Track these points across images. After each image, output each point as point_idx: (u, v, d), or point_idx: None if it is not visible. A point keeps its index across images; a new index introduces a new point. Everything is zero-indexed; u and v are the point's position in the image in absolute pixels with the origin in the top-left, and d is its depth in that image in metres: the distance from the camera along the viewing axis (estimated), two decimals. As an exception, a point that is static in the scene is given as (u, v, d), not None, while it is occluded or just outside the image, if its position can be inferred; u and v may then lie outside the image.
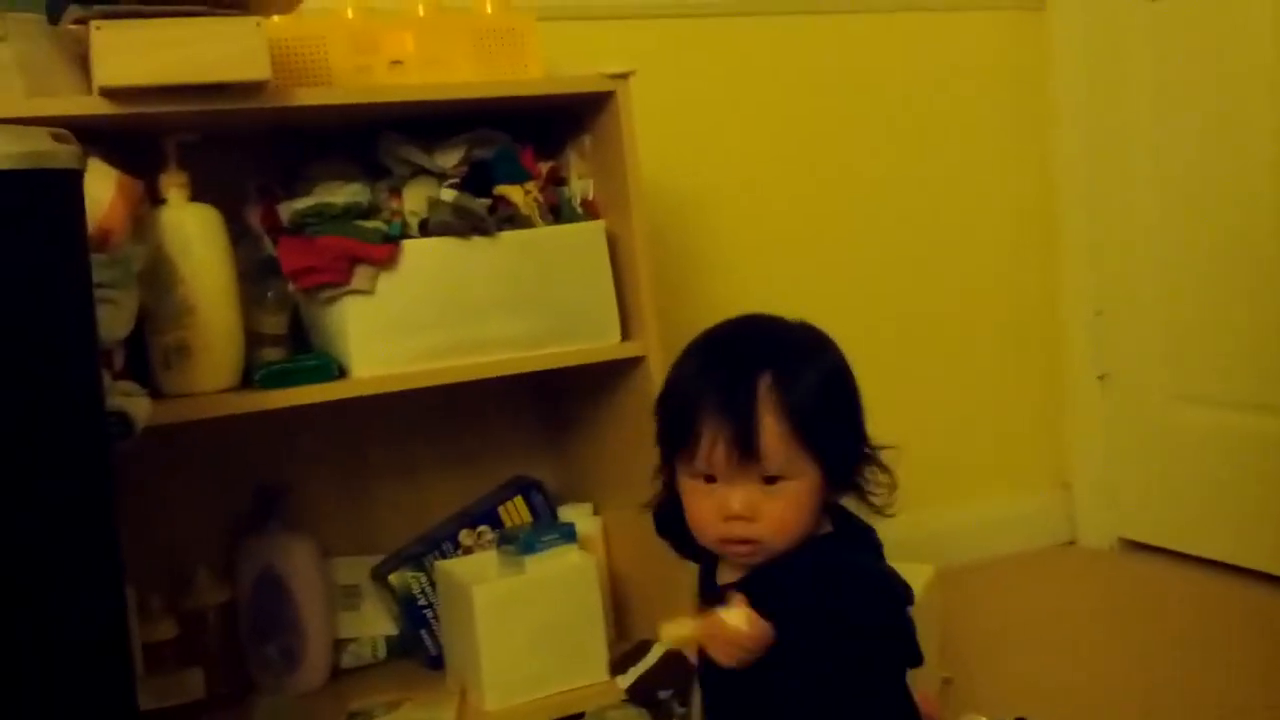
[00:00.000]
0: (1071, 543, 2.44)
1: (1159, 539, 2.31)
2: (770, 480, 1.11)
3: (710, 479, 1.13)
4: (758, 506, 1.12)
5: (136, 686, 1.16)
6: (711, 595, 1.17)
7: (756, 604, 1.07)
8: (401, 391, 1.61)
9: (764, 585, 1.12)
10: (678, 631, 1.08)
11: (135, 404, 1.31)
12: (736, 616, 1.04)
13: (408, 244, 1.56)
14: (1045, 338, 2.42)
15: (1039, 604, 2.07)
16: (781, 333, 1.18)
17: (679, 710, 1.59)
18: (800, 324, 1.19)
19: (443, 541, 1.81)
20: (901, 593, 1.13)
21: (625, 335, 1.69)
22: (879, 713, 1.14)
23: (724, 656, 1.05)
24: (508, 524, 1.84)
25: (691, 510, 1.16)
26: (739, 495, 1.12)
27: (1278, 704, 1.62)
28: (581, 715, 1.60)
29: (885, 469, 1.18)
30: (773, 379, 1.11)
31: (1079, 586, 2.20)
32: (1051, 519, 2.44)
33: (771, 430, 1.10)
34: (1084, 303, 2.37)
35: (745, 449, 1.10)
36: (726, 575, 1.18)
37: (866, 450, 1.15)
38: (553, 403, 1.98)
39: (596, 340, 1.67)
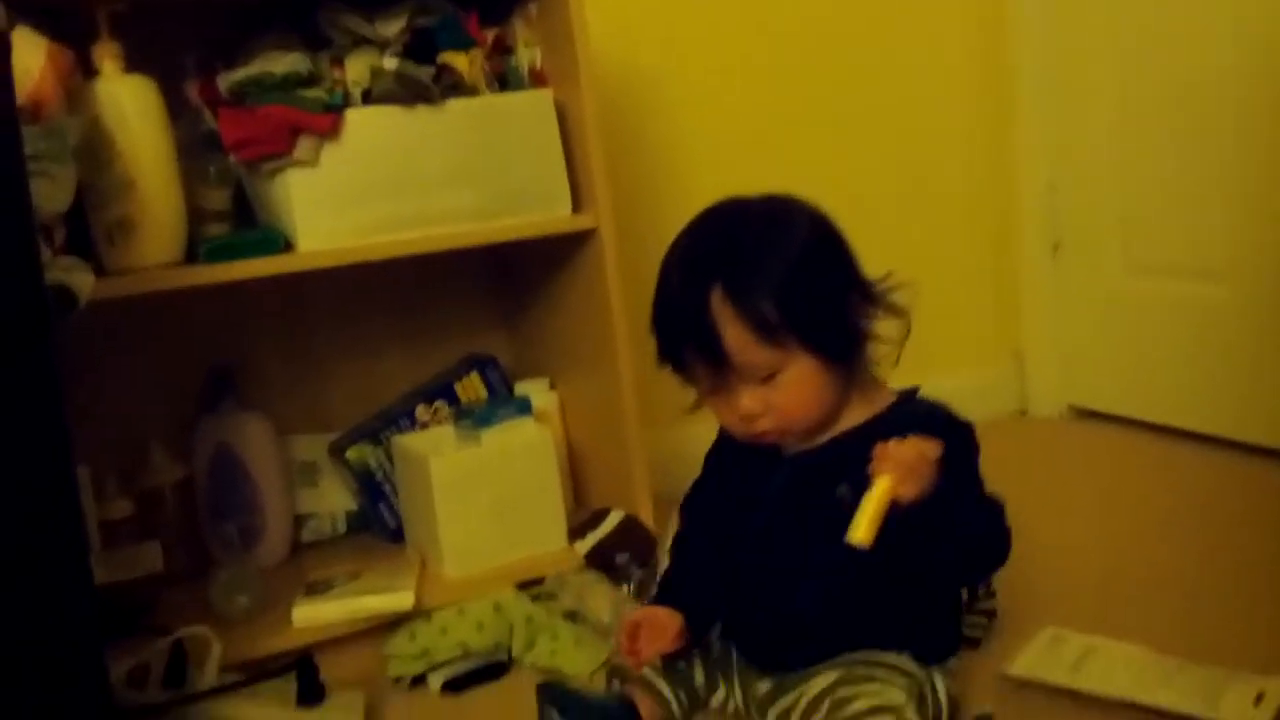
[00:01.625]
0: (1023, 412, 2.48)
1: (1108, 406, 2.35)
2: (767, 377, 1.14)
3: (716, 389, 1.17)
4: (765, 402, 1.16)
5: (91, 558, 1.16)
6: (772, 470, 1.22)
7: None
8: (351, 267, 1.60)
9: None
10: (868, 510, 1.06)
11: (77, 278, 1.29)
12: (898, 443, 1.06)
13: (351, 113, 1.53)
14: (999, 210, 2.43)
15: (990, 471, 2.10)
16: (738, 228, 1.18)
17: (636, 573, 1.62)
18: (764, 205, 1.19)
19: (399, 417, 1.82)
20: (975, 434, 1.19)
21: (576, 207, 1.68)
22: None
23: (919, 481, 1.06)
24: (463, 400, 1.85)
25: (719, 421, 1.21)
26: (744, 399, 1.16)
27: (1222, 556, 1.66)
28: (542, 580, 1.63)
29: (894, 309, 1.20)
30: (724, 291, 1.13)
31: (1030, 453, 2.24)
32: (1003, 389, 2.47)
33: (737, 340, 1.13)
34: (1037, 175, 2.37)
35: (718, 365, 1.15)
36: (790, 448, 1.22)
37: (861, 303, 1.16)
38: (506, 279, 1.97)
39: (547, 212, 1.66)
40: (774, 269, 1.13)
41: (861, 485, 1.08)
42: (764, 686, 1.23)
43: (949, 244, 2.40)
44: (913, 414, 1.19)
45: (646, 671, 1.29)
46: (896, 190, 2.33)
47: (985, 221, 2.43)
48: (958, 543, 1.12)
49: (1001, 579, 1.55)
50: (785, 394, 1.15)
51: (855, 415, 1.20)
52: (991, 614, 1.50)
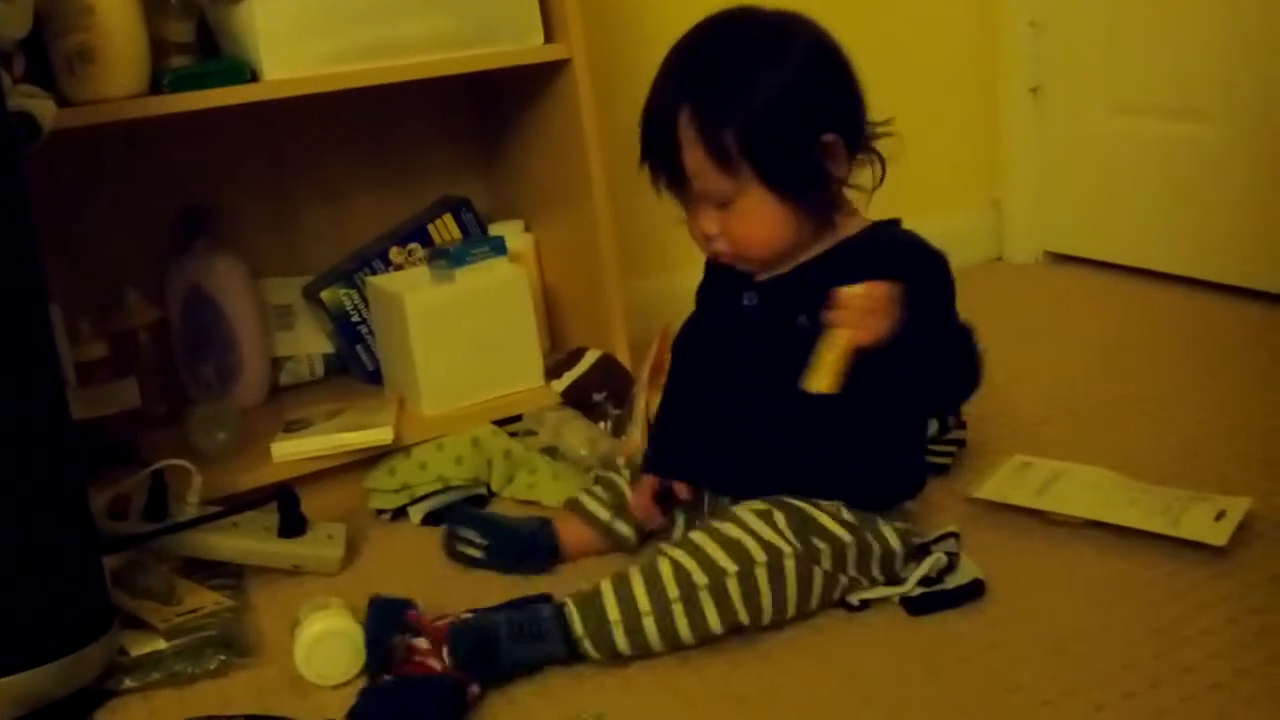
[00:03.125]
0: (998, 259, 2.48)
1: (1083, 250, 2.35)
2: (724, 203, 1.15)
3: (683, 202, 1.19)
4: (723, 225, 1.16)
5: (68, 392, 1.16)
6: (744, 290, 1.22)
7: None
8: (322, 104, 1.57)
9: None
10: (826, 360, 1.06)
11: (39, 105, 1.26)
12: (852, 289, 1.06)
13: (316, -64, 1.49)
14: (978, 51, 2.39)
15: (964, 313, 2.11)
16: (727, 48, 1.15)
17: (612, 411, 1.64)
18: (763, 27, 1.16)
19: (373, 259, 1.81)
20: (946, 262, 1.17)
21: (549, 37, 1.65)
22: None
23: (875, 328, 1.06)
24: (437, 241, 1.83)
25: (690, 232, 1.21)
26: (702, 218, 1.18)
27: (1192, 388, 1.69)
28: (519, 418, 1.64)
29: (875, 157, 1.19)
30: (691, 112, 1.12)
31: (1005, 298, 2.25)
32: (980, 236, 2.47)
33: (695, 163, 1.13)
34: (1018, 14, 2.33)
35: (676, 182, 1.16)
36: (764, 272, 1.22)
37: (836, 147, 1.14)
38: (480, 118, 1.94)
39: (518, 42, 1.62)
40: (746, 99, 1.11)
41: (819, 313, 1.09)
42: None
43: (926, 86, 2.36)
44: (881, 240, 1.19)
45: (583, 498, 1.35)
46: (872, 28, 2.28)
47: (964, 63, 2.39)
48: (922, 372, 1.12)
49: (971, 411, 1.58)
50: (740, 222, 1.15)
51: (826, 243, 1.20)
52: (960, 444, 1.53)
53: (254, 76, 1.50)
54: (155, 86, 1.49)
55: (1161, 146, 2.14)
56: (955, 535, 1.25)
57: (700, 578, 1.11)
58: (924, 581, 1.18)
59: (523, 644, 1.12)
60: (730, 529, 1.14)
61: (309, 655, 1.15)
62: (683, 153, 1.13)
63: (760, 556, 1.12)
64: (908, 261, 1.15)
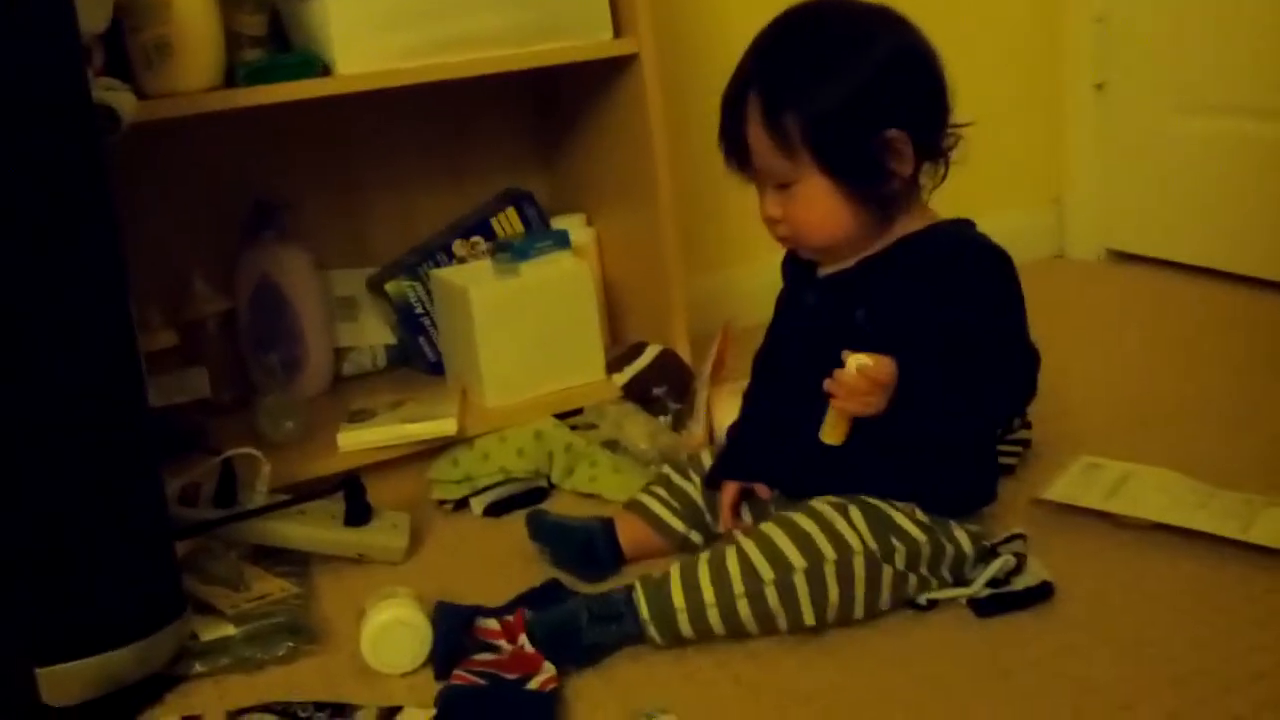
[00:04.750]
0: (1059, 256, 2.46)
1: (1145, 248, 2.33)
2: (784, 185, 1.16)
3: (754, 183, 1.20)
4: (782, 209, 1.18)
5: (145, 383, 1.18)
6: (808, 286, 1.23)
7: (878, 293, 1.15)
8: (390, 97, 1.59)
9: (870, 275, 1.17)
10: (827, 424, 1.09)
11: (120, 98, 1.28)
12: (855, 362, 1.06)
13: (390, -68, 1.50)
14: (1043, 46, 2.37)
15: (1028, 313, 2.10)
16: (808, 35, 1.16)
17: (672, 406, 1.64)
18: (851, 19, 1.16)
19: (437, 252, 1.82)
20: (1010, 263, 1.16)
21: (618, 32, 1.65)
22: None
23: (869, 405, 1.07)
24: (500, 235, 1.84)
25: (761, 214, 1.21)
26: (766, 201, 1.19)
27: (1259, 389, 1.66)
28: (580, 411, 1.65)
29: (938, 157, 1.18)
30: (759, 91, 1.14)
31: (1067, 295, 2.23)
32: (1041, 232, 2.44)
33: (757, 142, 1.15)
34: (1085, 9, 2.30)
35: (740, 161, 1.18)
36: (828, 266, 1.22)
37: (903, 145, 1.13)
38: (544, 111, 1.95)
39: (587, 37, 1.63)
40: (817, 87, 1.12)
41: (879, 309, 1.13)
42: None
43: (991, 83, 2.34)
44: (941, 239, 1.18)
45: (644, 498, 1.34)
46: (937, 23, 2.26)
47: (1029, 58, 2.37)
48: (955, 410, 1.13)
49: (1035, 411, 1.56)
50: (799, 207, 1.16)
51: (888, 239, 1.19)
52: (1026, 444, 1.52)
53: (326, 70, 1.52)
54: (229, 79, 1.51)
55: (1226, 144, 2.11)
56: (1023, 536, 1.24)
57: (767, 572, 1.11)
58: (991, 583, 1.18)
59: (601, 626, 1.14)
60: (803, 521, 1.14)
61: (375, 644, 1.16)
62: (747, 131, 1.15)
63: (830, 554, 1.12)
64: (962, 263, 1.14)
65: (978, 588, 1.17)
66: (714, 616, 1.12)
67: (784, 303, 1.31)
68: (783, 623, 1.12)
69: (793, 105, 1.12)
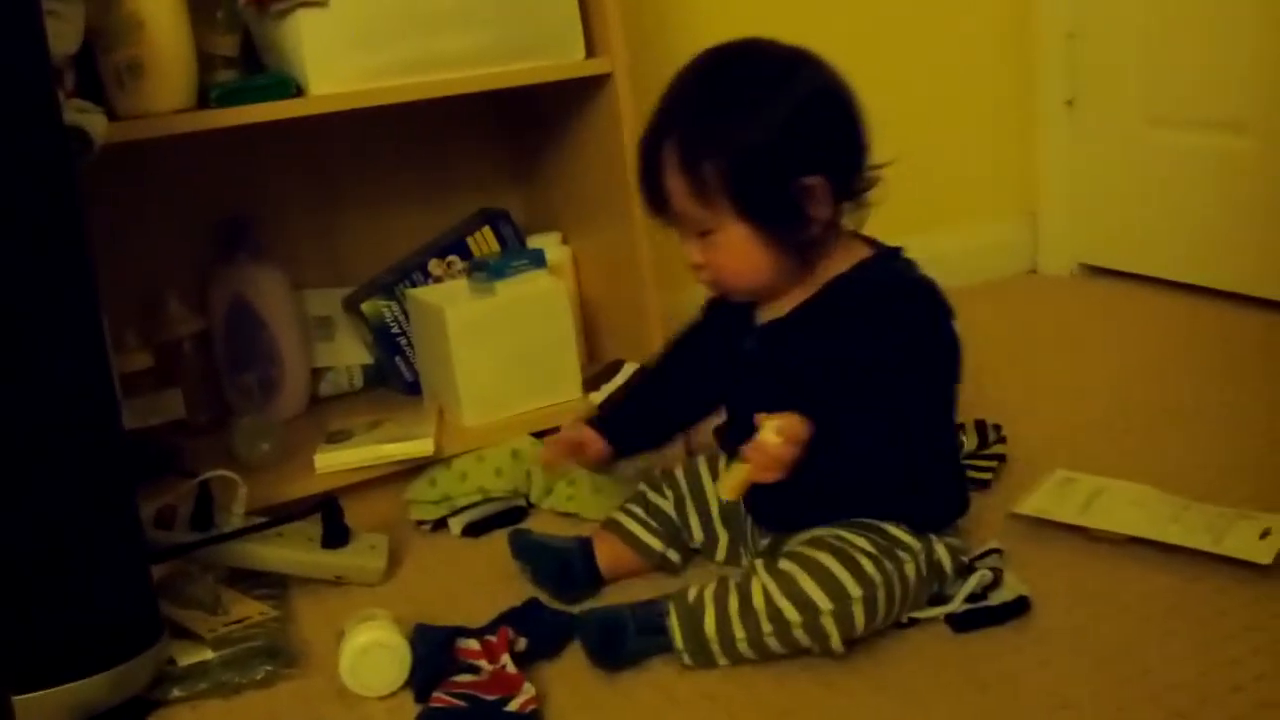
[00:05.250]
0: (1033, 270, 2.47)
1: (1118, 263, 2.35)
2: (705, 233, 1.16)
3: (676, 230, 1.20)
4: (704, 255, 1.17)
5: (120, 405, 1.18)
6: (747, 333, 1.23)
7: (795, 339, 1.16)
8: (364, 118, 1.58)
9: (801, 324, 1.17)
10: (733, 481, 1.09)
11: (91, 120, 1.28)
12: (768, 431, 1.06)
13: (360, -48, 1.50)
14: (1013, 63, 2.39)
15: (999, 327, 2.11)
16: (723, 79, 1.15)
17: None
18: (765, 61, 1.15)
19: (413, 271, 1.82)
20: (942, 301, 1.16)
21: (590, 52, 1.65)
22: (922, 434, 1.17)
23: (776, 473, 1.07)
24: (476, 254, 1.84)
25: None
26: (687, 247, 1.19)
27: (1232, 403, 1.68)
28: (558, 429, 1.64)
29: (857, 198, 1.18)
30: (676, 139, 1.14)
31: (1039, 309, 2.25)
32: (1015, 248, 2.46)
33: (675, 189, 1.15)
34: (1056, 25, 2.33)
35: (659, 208, 1.18)
36: (765, 312, 1.22)
37: (824, 191, 1.12)
38: (519, 130, 1.95)
39: (560, 56, 1.63)
40: (734, 135, 1.11)
41: (816, 356, 1.14)
42: (764, 542, 1.27)
43: (963, 100, 2.36)
44: (867, 281, 1.17)
45: (621, 517, 1.34)
46: (910, 41, 2.29)
47: (1000, 74, 2.39)
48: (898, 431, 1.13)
49: (1010, 425, 1.58)
50: (720, 254, 1.16)
51: (822, 276, 1.18)
52: (1001, 458, 1.52)
53: (299, 91, 1.52)
54: (202, 100, 1.51)
55: (1197, 158, 2.13)
56: (999, 551, 1.25)
57: (794, 616, 1.10)
58: (969, 598, 1.18)
59: (645, 639, 1.16)
60: (824, 559, 1.12)
61: (354, 667, 1.16)
62: (665, 179, 1.15)
63: (855, 591, 1.11)
64: (883, 301, 1.15)
65: (956, 604, 1.18)
66: (744, 648, 1.13)
67: (718, 345, 1.28)
68: (815, 650, 1.12)
69: (709, 154, 1.11)
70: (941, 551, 1.19)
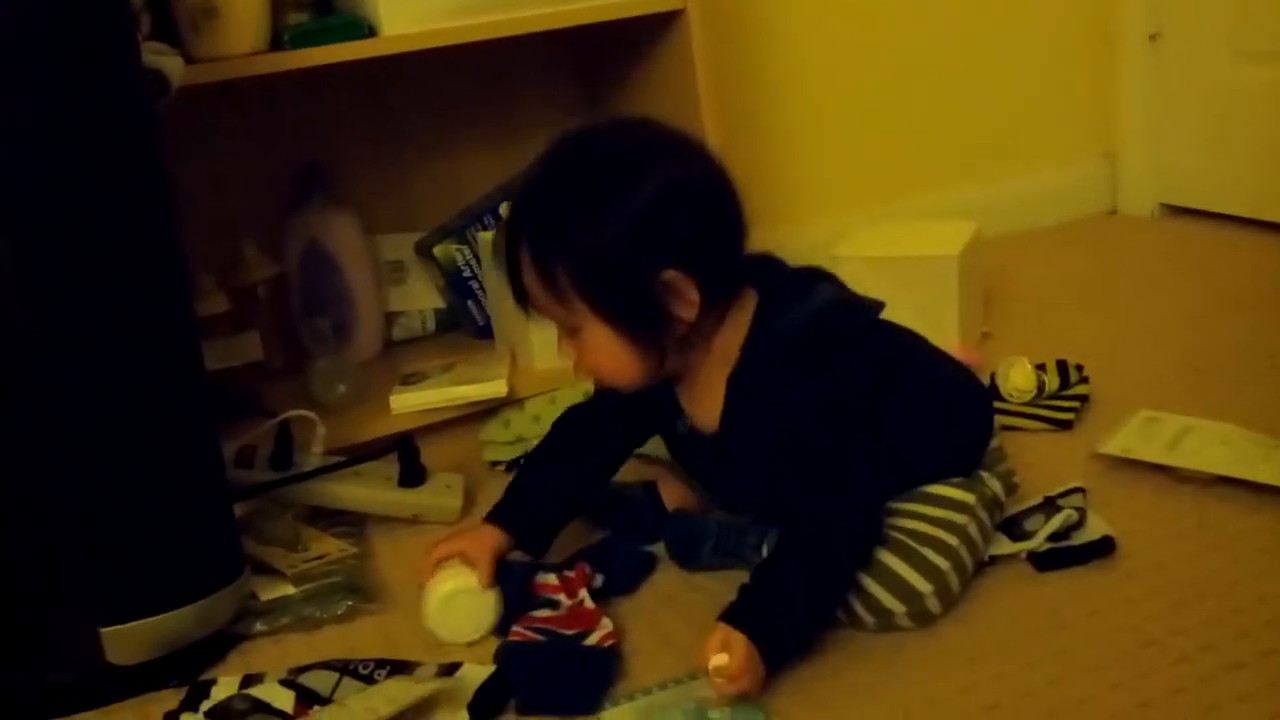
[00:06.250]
0: (1113, 211, 2.42)
1: (1200, 202, 2.28)
2: (573, 330, 1.10)
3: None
4: (578, 353, 1.12)
5: (200, 348, 1.19)
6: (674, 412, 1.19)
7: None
8: (435, 60, 1.58)
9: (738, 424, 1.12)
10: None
11: (168, 62, 1.29)
12: (714, 664, 0.99)
13: (432, -109, 1.49)
14: (1095, -2, 2.33)
15: (1079, 268, 2.07)
16: (571, 175, 1.08)
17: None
18: (616, 153, 1.08)
19: (484, 215, 1.82)
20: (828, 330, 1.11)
21: (663, -13, 1.63)
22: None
23: (754, 680, 1.01)
24: (548, 196, 1.84)
25: None
26: (563, 345, 1.14)
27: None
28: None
29: (731, 292, 1.11)
30: (528, 240, 1.08)
31: (1120, 251, 2.19)
32: (1094, 188, 2.40)
33: (533, 289, 1.09)
34: (1139, -43, 2.26)
35: (524, 305, 1.13)
36: (694, 411, 1.18)
37: (685, 284, 1.05)
38: (589, 70, 1.94)
39: (631, -8, 1.61)
40: (580, 233, 1.05)
41: (741, 441, 1.11)
42: None
43: (1043, 35, 2.30)
44: (751, 373, 1.10)
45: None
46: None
47: (1081, 9, 2.32)
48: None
49: (1092, 365, 1.55)
50: (588, 353, 1.10)
51: (724, 366, 1.12)
52: (1083, 399, 1.50)
53: (372, 32, 1.51)
54: (275, 42, 1.51)
55: (1284, 92, 2.06)
56: (1082, 490, 1.23)
57: (897, 605, 1.08)
58: (1052, 537, 1.16)
59: (719, 558, 1.22)
60: (889, 560, 1.09)
61: (441, 615, 1.15)
62: (524, 277, 1.10)
63: (926, 587, 1.08)
64: (779, 394, 1.09)
65: (1038, 542, 1.16)
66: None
67: (655, 421, 1.24)
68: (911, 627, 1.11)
69: (559, 254, 1.06)
70: (995, 485, 1.18)
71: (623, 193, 1.05)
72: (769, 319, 1.11)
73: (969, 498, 1.14)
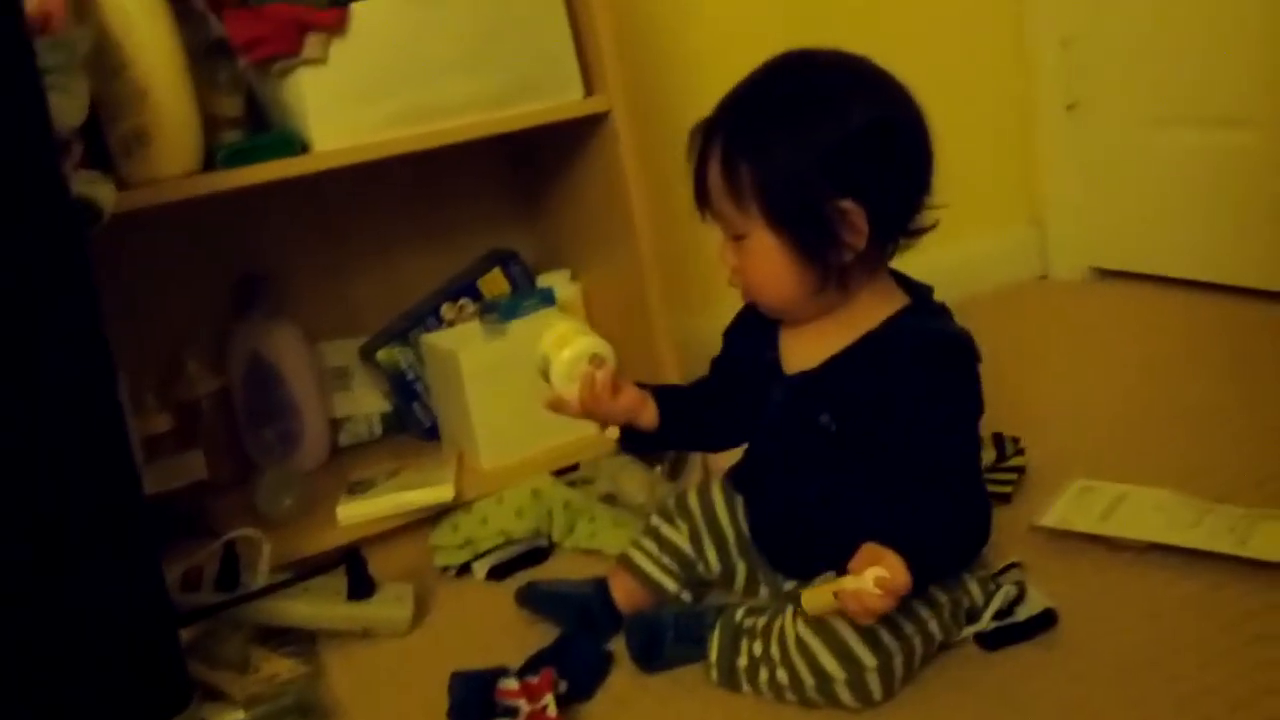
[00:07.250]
0: (1044, 276, 2.47)
1: (1129, 264, 2.34)
2: (738, 237, 1.16)
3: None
4: (738, 260, 1.17)
5: (139, 469, 1.19)
6: (774, 380, 1.22)
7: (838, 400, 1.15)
8: (369, 168, 1.60)
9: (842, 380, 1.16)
10: (818, 605, 1.06)
11: (100, 190, 1.29)
12: (868, 581, 1.02)
13: (356, 7, 1.52)
14: (1011, 70, 2.39)
15: (1013, 335, 2.11)
16: (787, 88, 1.14)
17: (668, 455, 1.65)
18: (837, 80, 1.14)
19: (425, 317, 1.83)
20: (977, 356, 1.16)
21: (589, 91, 1.67)
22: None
23: (869, 620, 1.05)
24: (487, 295, 1.86)
25: None
26: (725, 249, 1.19)
27: (1248, 400, 1.67)
28: (576, 466, 1.65)
29: (900, 236, 1.17)
30: (724, 137, 1.14)
31: (1052, 316, 2.24)
32: (1025, 254, 2.45)
33: (714, 183, 1.15)
34: (1051, 31, 2.33)
35: (701, 201, 1.18)
36: (792, 357, 1.21)
37: (857, 218, 1.10)
38: (523, 171, 1.97)
39: (559, 97, 1.65)
40: (777, 143, 1.11)
41: (843, 413, 1.14)
42: (789, 585, 1.25)
43: (963, 109, 2.36)
44: (902, 335, 1.15)
45: (634, 554, 1.33)
46: (905, 49, 2.26)
47: (999, 82, 2.39)
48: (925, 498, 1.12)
49: (1028, 435, 1.58)
50: (749, 260, 1.16)
51: (856, 324, 1.17)
52: (1020, 470, 1.52)
53: (304, 148, 1.53)
54: (209, 162, 1.53)
55: (1203, 155, 2.13)
56: (1018, 565, 1.25)
57: (837, 670, 1.09)
58: (996, 615, 1.18)
59: (682, 647, 1.21)
60: (840, 627, 1.10)
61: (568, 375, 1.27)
62: (708, 172, 1.16)
63: (870, 661, 1.09)
64: (919, 368, 1.13)
65: (984, 622, 1.17)
66: (781, 678, 1.12)
67: (743, 397, 1.27)
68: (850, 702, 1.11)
69: (749, 157, 1.11)
70: (974, 590, 1.19)
71: (829, 119, 1.10)
72: (921, 313, 1.18)
73: (942, 598, 1.15)
